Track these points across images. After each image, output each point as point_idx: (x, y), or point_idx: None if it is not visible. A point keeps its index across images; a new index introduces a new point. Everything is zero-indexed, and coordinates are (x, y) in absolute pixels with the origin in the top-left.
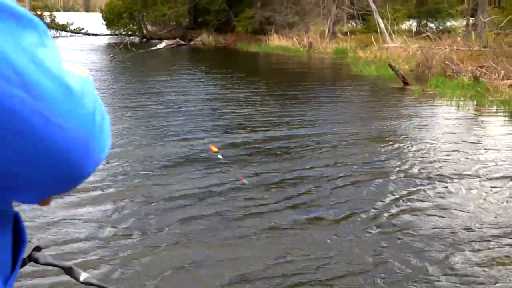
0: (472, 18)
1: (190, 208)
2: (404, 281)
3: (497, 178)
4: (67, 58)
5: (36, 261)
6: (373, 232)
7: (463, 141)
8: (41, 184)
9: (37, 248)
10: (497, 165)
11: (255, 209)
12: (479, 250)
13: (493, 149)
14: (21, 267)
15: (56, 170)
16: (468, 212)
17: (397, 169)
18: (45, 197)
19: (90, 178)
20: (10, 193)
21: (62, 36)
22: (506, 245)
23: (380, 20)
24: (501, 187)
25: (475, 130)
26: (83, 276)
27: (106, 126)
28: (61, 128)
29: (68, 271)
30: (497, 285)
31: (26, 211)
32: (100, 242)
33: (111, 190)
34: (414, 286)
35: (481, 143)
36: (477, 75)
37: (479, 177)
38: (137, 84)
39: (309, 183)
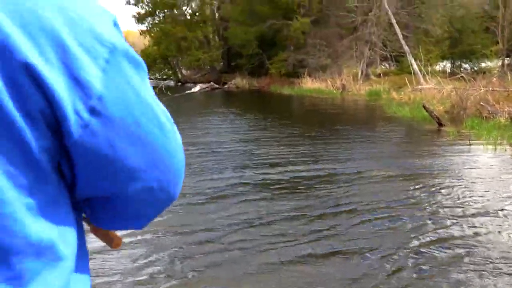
0: (508, 58)
1: (216, 241)
2: None
3: None
4: None
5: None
6: (403, 269)
7: (498, 182)
8: (156, 208)
9: None
10: None
11: (283, 244)
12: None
13: None
14: None
15: (170, 193)
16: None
17: (427, 208)
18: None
19: None
20: (130, 220)
21: None
22: None
23: (413, 61)
24: None
25: (510, 172)
26: None
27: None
28: (178, 152)
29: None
30: None
31: None
32: (131, 276)
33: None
34: None
35: None
36: None
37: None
38: None
39: (340, 217)
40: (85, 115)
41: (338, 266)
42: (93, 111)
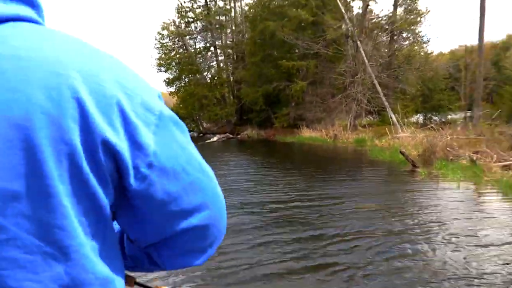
0: (469, 111)
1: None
2: None
3: (487, 244)
4: None
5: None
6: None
7: (461, 214)
8: (210, 242)
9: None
10: (486, 231)
11: (275, 265)
12: None
13: (486, 219)
14: None
15: (219, 227)
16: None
17: (398, 232)
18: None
19: None
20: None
21: None
22: None
23: (392, 115)
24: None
25: (471, 205)
26: None
27: None
28: (219, 192)
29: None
30: None
31: None
32: None
33: None
34: None
35: (475, 215)
36: (474, 158)
37: (472, 242)
38: None
39: (327, 241)
40: (144, 169)
41: (316, 277)
42: (150, 166)
